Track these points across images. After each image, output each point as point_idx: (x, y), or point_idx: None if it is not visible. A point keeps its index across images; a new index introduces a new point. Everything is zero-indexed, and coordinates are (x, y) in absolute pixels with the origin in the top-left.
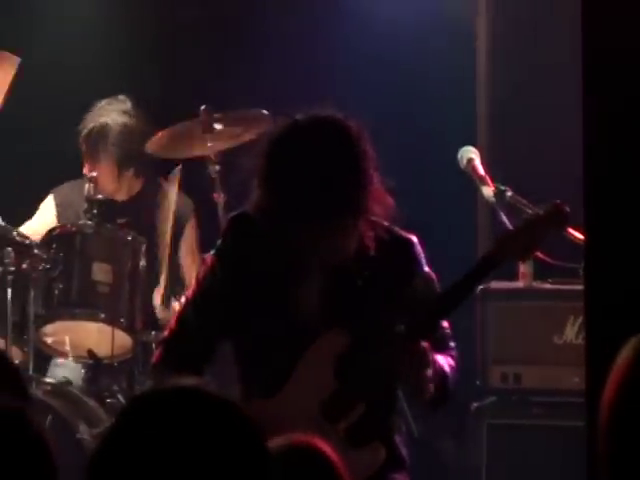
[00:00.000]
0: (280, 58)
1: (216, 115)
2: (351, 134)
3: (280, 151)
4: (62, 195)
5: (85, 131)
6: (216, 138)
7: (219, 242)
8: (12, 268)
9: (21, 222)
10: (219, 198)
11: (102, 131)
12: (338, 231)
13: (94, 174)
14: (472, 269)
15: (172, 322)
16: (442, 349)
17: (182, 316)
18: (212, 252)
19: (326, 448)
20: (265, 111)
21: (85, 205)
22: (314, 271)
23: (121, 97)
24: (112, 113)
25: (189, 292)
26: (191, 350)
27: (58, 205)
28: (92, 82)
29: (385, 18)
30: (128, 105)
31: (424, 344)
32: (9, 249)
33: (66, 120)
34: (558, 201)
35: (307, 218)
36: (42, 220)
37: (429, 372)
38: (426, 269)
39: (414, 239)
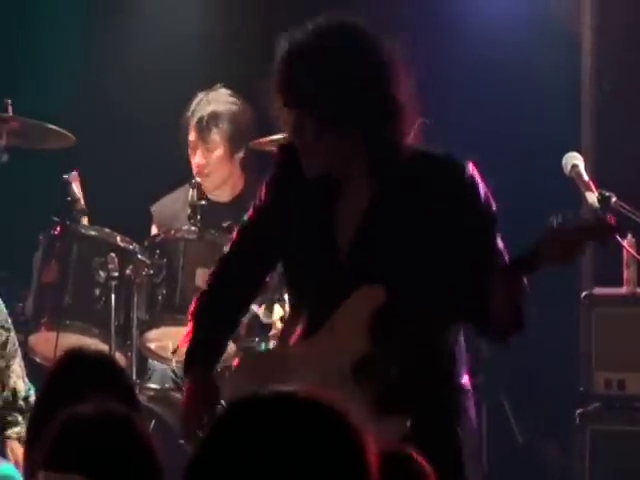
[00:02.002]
0: None
1: None
2: (368, 34)
3: (300, 59)
4: (160, 208)
5: (195, 118)
6: None
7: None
8: (116, 274)
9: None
10: None
11: (213, 115)
12: (372, 136)
13: (198, 180)
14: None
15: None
16: None
17: (233, 241)
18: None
19: (421, 458)
20: None
21: (188, 211)
22: (356, 194)
23: (218, 86)
24: (218, 100)
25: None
26: (235, 273)
27: (157, 220)
28: (191, 84)
29: (486, 18)
30: (229, 93)
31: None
32: (113, 254)
33: (167, 126)
34: (607, 216)
35: (337, 124)
36: None
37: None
38: (479, 197)
39: (466, 165)
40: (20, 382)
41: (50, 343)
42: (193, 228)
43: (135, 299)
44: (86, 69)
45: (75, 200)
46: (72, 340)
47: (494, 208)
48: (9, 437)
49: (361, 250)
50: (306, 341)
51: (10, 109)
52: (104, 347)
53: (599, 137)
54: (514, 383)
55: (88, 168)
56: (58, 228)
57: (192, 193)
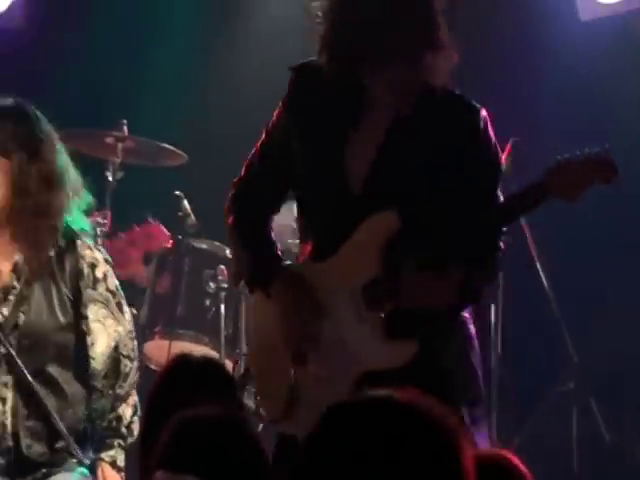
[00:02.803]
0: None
1: None
2: None
3: None
4: None
5: None
6: None
7: (286, 92)
8: (225, 285)
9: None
10: None
11: None
12: (404, 65)
13: None
14: (520, 193)
15: (244, 165)
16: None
17: (250, 159)
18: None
19: (521, 465)
20: None
21: (294, 225)
22: (371, 127)
23: None
24: None
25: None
26: (252, 192)
27: None
28: None
29: (577, 39)
30: None
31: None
32: (222, 267)
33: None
34: (608, 150)
35: (371, 46)
36: None
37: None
38: (490, 141)
39: (483, 110)
40: (128, 410)
41: (163, 350)
42: (298, 242)
43: (243, 309)
44: (199, 91)
45: (187, 215)
46: (184, 348)
47: (500, 155)
48: (102, 459)
49: (376, 181)
50: (322, 263)
51: (125, 129)
52: (214, 355)
53: None
54: (602, 388)
55: (199, 185)
56: (171, 242)
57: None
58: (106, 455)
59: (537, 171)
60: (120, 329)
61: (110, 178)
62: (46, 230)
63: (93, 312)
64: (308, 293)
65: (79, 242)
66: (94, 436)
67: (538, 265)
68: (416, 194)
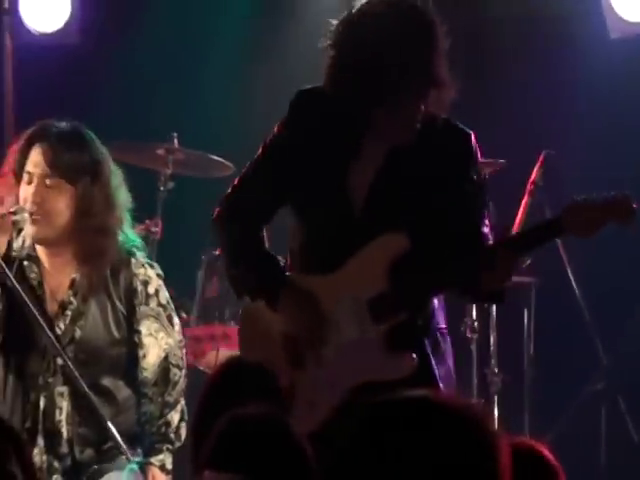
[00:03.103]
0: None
1: None
2: (426, 14)
3: (352, 20)
4: None
5: None
6: None
7: (287, 113)
8: None
9: None
10: None
11: None
12: (407, 100)
13: None
14: (536, 227)
15: (236, 180)
16: None
17: (244, 174)
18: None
19: (550, 456)
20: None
21: None
22: (372, 151)
23: None
24: None
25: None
26: (248, 206)
27: None
28: None
29: (602, 54)
30: None
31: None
32: None
33: None
34: (628, 194)
35: (375, 81)
36: None
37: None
38: (478, 163)
39: (473, 135)
40: (176, 416)
41: (212, 352)
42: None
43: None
44: (246, 103)
45: None
46: (232, 349)
47: (486, 175)
48: (152, 464)
49: (375, 205)
50: (327, 276)
51: (176, 141)
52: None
53: None
54: (631, 388)
55: None
56: (219, 249)
57: None
58: (155, 459)
59: (567, 183)
60: (170, 341)
61: (161, 188)
62: (107, 248)
63: (146, 327)
64: (315, 301)
65: (133, 260)
66: (143, 439)
67: (569, 270)
68: (414, 215)
